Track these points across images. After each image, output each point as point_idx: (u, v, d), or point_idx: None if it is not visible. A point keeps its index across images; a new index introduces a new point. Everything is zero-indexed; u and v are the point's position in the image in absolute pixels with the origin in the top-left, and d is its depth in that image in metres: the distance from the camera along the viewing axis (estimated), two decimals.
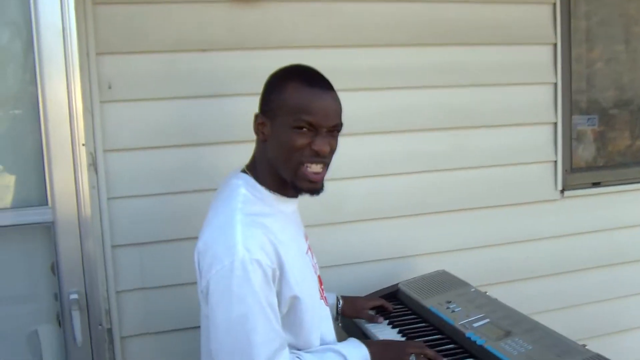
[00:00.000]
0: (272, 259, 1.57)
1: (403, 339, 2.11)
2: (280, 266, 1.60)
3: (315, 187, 1.70)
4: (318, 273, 1.89)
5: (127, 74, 2.31)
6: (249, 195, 1.68)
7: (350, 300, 2.28)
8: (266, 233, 1.59)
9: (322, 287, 1.91)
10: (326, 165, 1.71)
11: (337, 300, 2.24)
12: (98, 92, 2.27)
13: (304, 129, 1.64)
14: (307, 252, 1.84)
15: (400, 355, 1.83)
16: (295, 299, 1.65)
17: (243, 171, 1.77)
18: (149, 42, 2.33)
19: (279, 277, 1.60)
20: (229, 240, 1.55)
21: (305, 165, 1.66)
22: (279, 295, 1.61)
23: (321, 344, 1.78)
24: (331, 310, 2.10)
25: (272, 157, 1.70)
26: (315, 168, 1.67)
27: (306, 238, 1.90)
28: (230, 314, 1.52)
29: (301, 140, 1.64)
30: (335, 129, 1.70)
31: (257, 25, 2.46)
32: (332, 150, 1.71)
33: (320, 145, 1.65)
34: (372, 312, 2.29)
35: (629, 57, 3.42)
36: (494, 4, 2.85)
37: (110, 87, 2.29)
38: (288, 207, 1.77)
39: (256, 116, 1.73)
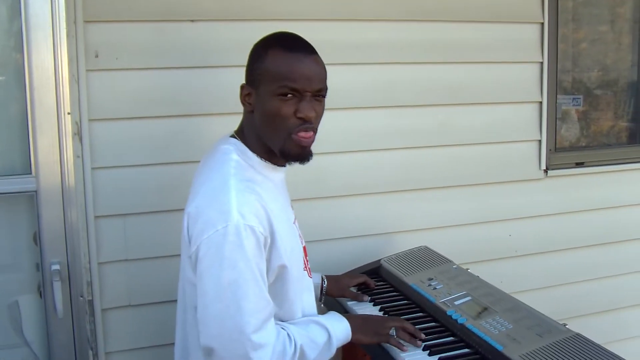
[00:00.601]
0: (264, 226, 1.56)
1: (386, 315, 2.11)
2: (272, 234, 1.59)
3: (304, 153, 1.69)
4: (303, 244, 1.88)
5: (114, 43, 2.28)
6: (240, 161, 1.67)
7: (334, 279, 2.28)
8: (259, 199, 1.58)
9: (307, 258, 1.90)
10: (314, 130, 1.69)
11: (322, 280, 2.23)
12: (85, 61, 2.23)
13: (289, 96, 1.62)
14: (294, 222, 1.83)
15: (380, 329, 1.85)
16: (283, 268, 1.64)
17: (232, 136, 1.75)
18: (137, 10, 2.29)
19: (270, 245, 1.59)
20: (223, 205, 1.53)
21: (293, 134, 1.65)
22: (268, 263, 1.60)
23: (302, 316, 1.78)
24: (315, 291, 2.09)
25: (259, 126, 1.68)
26: (304, 134, 1.66)
27: (292, 208, 1.90)
28: (221, 280, 1.51)
29: (286, 108, 1.62)
30: (320, 93, 1.68)
31: None
32: (319, 115, 1.69)
33: (305, 110, 1.63)
34: (355, 290, 2.30)
35: (614, 38, 3.43)
36: None
37: (97, 56, 2.25)
38: (277, 176, 1.77)
39: (242, 87, 1.72)
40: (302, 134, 1.65)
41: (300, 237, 1.85)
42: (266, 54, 1.65)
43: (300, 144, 1.66)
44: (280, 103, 1.62)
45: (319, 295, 2.19)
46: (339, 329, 1.76)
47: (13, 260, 2.31)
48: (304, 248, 1.87)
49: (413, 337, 1.87)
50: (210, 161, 1.71)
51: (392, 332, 1.85)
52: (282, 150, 1.67)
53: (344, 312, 2.13)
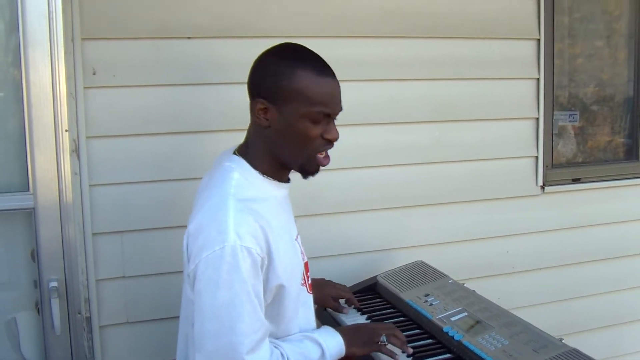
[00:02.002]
0: (262, 247, 1.56)
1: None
2: (269, 254, 1.59)
3: (317, 172, 1.75)
4: (306, 259, 1.88)
5: (112, 60, 2.29)
6: (242, 179, 1.66)
7: (317, 284, 2.23)
8: (258, 219, 1.57)
9: (308, 273, 1.90)
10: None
11: None
12: (82, 78, 2.24)
13: (319, 120, 1.66)
14: (297, 238, 1.83)
15: (371, 337, 1.85)
16: (280, 288, 1.64)
17: (235, 153, 1.75)
18: (134, 28, 2.31)
19: (267, 266, 1.59)
20: (221, 225, 1.53)
21: (317, 154, 1.70)
22: (265, 283, 1.60)
23: (299, 332, 1.78)
24: None
25: (277, 143, 1.68)
26: (325, 158, 1.73)
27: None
28: (216, 300, 1.51)
29: (315, 130, 1.65)
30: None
31: (243, 13, 2.44)
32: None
33: (334, 133, 1.69)
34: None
35: (610, 54, 3.45)
36: None
37: (94, 73, 2.26)
38: (280, 192, 1.76)
39: (256, 101, 1.67)
40: (323, 156, 1.72)
41: (302, 253, 1.84)
42: (294, 74, 1.63)
43: (322, 164, 1.73)
44: (311, 125, 1.65)
45: None
46: (332, 343, 1.76)
47: (11, 277, 2.31)
48: (306, 264, 1.87)
49: (404, 344, 1.87)
50: (212, 179, 1.71)
51: (383, 338, 1.84)
52: (302, 167, 1.72)
53: (337, 325, 2.14)
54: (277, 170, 1.72)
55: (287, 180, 1.79)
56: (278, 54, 1.69)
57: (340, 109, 1.71)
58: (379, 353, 1.87)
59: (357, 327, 1.96)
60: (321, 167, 1.73)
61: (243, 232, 1.53)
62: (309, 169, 1.73)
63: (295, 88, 1.62)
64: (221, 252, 1.50)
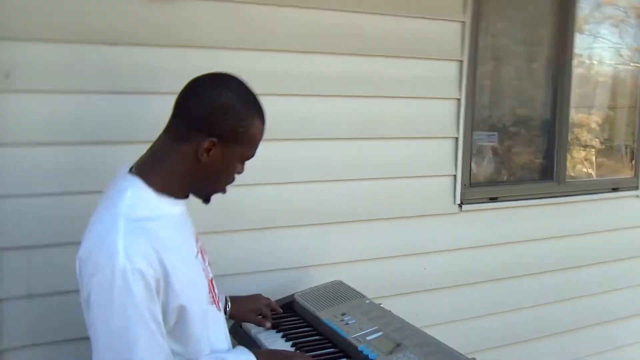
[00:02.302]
0: (155, 268, 1.52)
1: (294, 351, 2.10)
2: (165, 275, 1.55)
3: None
4: (211, 276, 1.85)
5: (27, 63, 2.20)
6: (134, 198, 1.61)
7: (236, 301, 2.24)
8: (150, 240, 1.54)
9: (216, 291, 1.88)
10: None
11: (226, 301, 2.20)
12: None
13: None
14: (197, 256, 1.79)
15: None
16: (182, 308, 1.61)
17: (131, 170, 1.70)
18: (53, 29, 2.22)
19: (164, 287, 1.55)
20: (110, 248, 1.49)
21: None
22: (164, 305, 1.57)
23: (211, 351, 1.75)
24: None
25: (201, 177, 1.69)
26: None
27: (197, 240, 1.86)
28: (110, 326, 1.48)
29: (240, 168, 1.76)
30: None
31: (167, 22, 2.40)
32: None
33: (243, 169, 1.78)
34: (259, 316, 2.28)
35: (532, 77, 3.54)
36: (406, 17, 2.89)
37: (7, 76, 2.17)
38: (176, 209, 1.72)
39: (209, 140, 1.64)
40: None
41: (205, 270, 1.81)
42: (253, 121, 1.70)
43: (223, 193, 1.79)
44: (240, 165, 1.75)
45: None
46: None
47: None
48: (211, 281, 1.84)
49: None
50: (105, 200, 1.67)
51: None
52: (207, 196, 1.78)
53: (254, 346, 2.12)
54: (174, 188, 1.68)
55: (185, 197, 1.75)
56: (241, 98, 1.71)
57: None
58: None
59: (273, 352, 1.97)
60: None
61: (134, 254, 1.49)
62: (210, 197, 1.79)
63: (250, 134, 1.70)
64: (112, 276, 1.46)
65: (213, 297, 1.82)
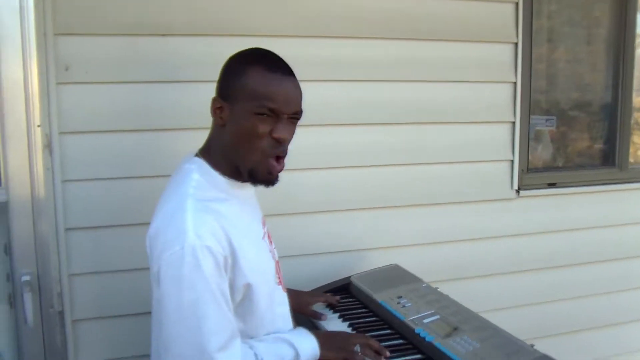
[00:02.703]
0: (223, 246, 1.56)
1: (353, 332, 2.11)
2: (233, 253, 1.58)
3: (271, 179, 1.70)
4: (276, 259, 1.88)
5: (85, 56, 2.28)
6: (201, 180, 1.66)
7: (294, 294, 2.24)
8: (218, 219, 1.57)
9: (281, 273, 1.90)
10: (284, 156, 1.70)
11: None
12: (55, 73, 2.24)
13: (265, 115, 1.62)
14: (263, 238, 1.82)
15: (345, 345, 1.85)
16: (248, 287, 1.64)
17: (197, 155, 1.74)
18: (108, 24, 2.30)
19: (232, 265, 1.59)
20: (179, 226, 1.53)
21: (269, 158, 1.66)
22: (232, 282, 1.60)
23: (274, 331, 1.78)
24: None
25: (230, 142, 1.67)
26: (277, 165, 1.68)
27: (264, 223, 1.89)
28: (180, 301, 1.51)
29: (262, 127, 1.62)
30: (296, 116, 1.69)
31: (218, 11, 2.44)
32: (292, 138, 1.70)
33: (281, 132, 1.64)
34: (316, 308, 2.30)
35: (590, 59, 3.46)
36: (459, 0, 2.86)
37: (67, 69, 2.26)
38: (243, 192, 1.75)
39: (214, 100, 1.69)
40: (275, 163, 1.67)
41: (271, 252, 1.84)
42: (245, 70, 1.64)
43: (271, 171, 1.67)
44: (257, 121, 1.62)
45: None
46: (306, 346, 1.77)
47: None
48: (277, 263, 1.87)
49: (377, 354, 1.87)
50: (172, 182, 1.71)
51: (357, 348, 1.85)
52: (250, 171, 1.67)
53: (313, 327, 2.14)
54: (235, 171, 1.70)
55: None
56: (238, 55, 1.71)
57: (295, 109, 1.67)
58: None
59: (333, 334, 1.98)
60: (276, 175, 1.70)
61: (203, 231, 1.52)
62: (257, 175, 1.68)
63: (244, 84, 1.63)
64: (181, 253, 1.50)
65: (279, 278, 1.85)
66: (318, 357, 1.79)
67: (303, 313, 2.26)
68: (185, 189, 1.62)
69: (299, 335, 1.80)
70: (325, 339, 1.84)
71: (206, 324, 1.52)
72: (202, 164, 1.70)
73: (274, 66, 1.65)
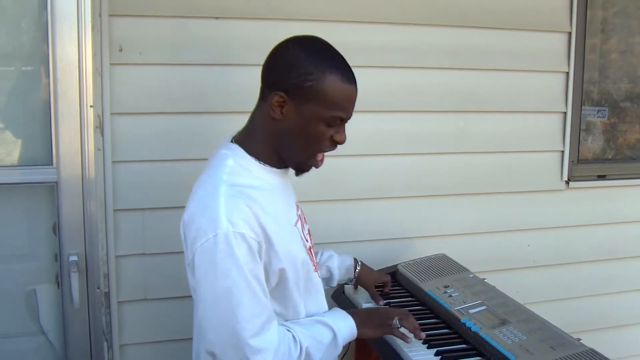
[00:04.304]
0: (256, 232, 1.55)
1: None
2: (267, 239, 1.58)
3: (309, 170, 1.75)
4: (309, 244, 1.87)
5: (138, 37, 2.29)
6: (236, 166, 1.65)
7: (367, 268, 2.29)
8: (251, 205, 1.57)
9: (315, 259, 1.90)
10: None
11: (356, 262, 2.25)
12: (109, 54, 2.25)
13: (335, 124, 1.65)
14: (296, 224, 1.81)
15: (384, 320, 1.85)
16: (283, 272, 1.64)
17: (233, 140, 1.74)
18: (161, 6, 2.31)
19: (266, 250, 1.59)
20: (212, 213, 1.53)
21: (318, 154, 1.69)
22: (267, 267, 1.60)
23: (310, 315, 1.78)
24: (348, 271, 2.22)
25: (286, 137, 1.67)
26: (322, 158, 1.72)
27: (297, 208, 1.88)
28: (215, 288, 1.52)
29: (328, 132, 1.65)
30: None
31: None
32: None
33: (343, 137, 1.68)
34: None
35: None
36: None
37: (121, 50, 2.27)
38: (277, 179, 1.74)
39: (276, 93, 1.64)
40: (320, 158, 1.71)
41: (303, 238, 1.82)
42: (324, 76, 1.61)
43: (316, 165, 1.72)
44: (325, 128, 1.64)
45: (351, 277, 2.24)
46: (344, 327, 1.76)
47: (32, 250, 2.34)
48: (310, 249, 1.86)
49: (416, 329, 1.87)
50: (207, 167, 1.71)
51: (396, 322, 1.84)
52: (298, 165, 1.72)
53: (352, 306, 2.15)
54: (273, 158, 1.71)
55: (286, 166, 1.76)
56: (308, 52, 1.65)
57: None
58: (392, 336, 1.88)
59: (369, 310, 1.98)
60: (317, 168, 1.73)
61: (235, 218, 1.52)
62: (303, 168, 1.73)
63: (321, 90, 1.61)
64: (215, 240, 1.50)
65: (314, 264, 1.84)
66: (356, 336, 1.79)
67: (367, 288, 2.28)
68: (219, 174, 1.62)
69: (336, 317, 1.80)
70: (364, 317, 1.84)
71: (241, 311, 1.52)
72: (237, 150, 1.69)
73: (350, 77, 1.65)
